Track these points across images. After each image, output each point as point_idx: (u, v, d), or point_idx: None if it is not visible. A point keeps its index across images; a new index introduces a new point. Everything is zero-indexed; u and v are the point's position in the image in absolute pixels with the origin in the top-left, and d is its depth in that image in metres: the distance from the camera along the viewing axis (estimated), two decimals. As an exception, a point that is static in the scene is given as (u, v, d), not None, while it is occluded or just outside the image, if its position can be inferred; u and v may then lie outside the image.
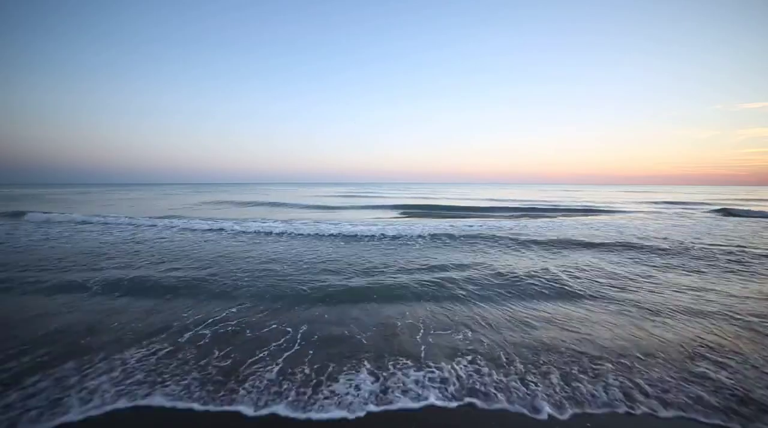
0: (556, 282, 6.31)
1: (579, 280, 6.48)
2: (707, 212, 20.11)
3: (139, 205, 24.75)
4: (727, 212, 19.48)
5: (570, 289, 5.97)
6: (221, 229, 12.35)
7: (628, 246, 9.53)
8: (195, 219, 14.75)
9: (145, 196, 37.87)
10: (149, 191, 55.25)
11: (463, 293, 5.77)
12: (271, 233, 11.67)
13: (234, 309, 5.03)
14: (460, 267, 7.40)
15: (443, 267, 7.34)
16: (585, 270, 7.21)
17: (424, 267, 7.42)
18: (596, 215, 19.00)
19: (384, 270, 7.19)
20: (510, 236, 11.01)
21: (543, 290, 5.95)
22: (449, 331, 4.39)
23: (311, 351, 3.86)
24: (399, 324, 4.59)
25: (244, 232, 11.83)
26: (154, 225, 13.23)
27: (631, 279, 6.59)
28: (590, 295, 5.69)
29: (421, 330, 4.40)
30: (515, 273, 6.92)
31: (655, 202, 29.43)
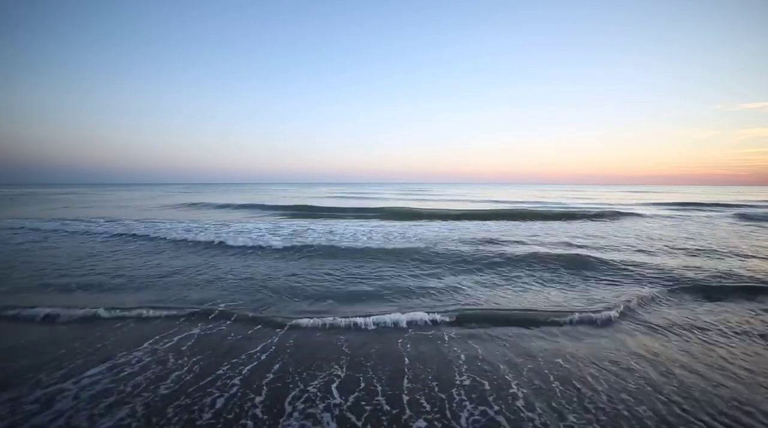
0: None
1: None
2: (730, 216, 18.53)
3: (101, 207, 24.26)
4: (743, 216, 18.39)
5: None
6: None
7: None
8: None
9: (123, 198, 37.00)
10: (143, 191, 54.14)
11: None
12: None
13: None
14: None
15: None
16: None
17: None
18: (604, 220, 16.67)
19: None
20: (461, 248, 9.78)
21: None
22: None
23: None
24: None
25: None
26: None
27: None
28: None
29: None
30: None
31: (671, 204, 27.15)
